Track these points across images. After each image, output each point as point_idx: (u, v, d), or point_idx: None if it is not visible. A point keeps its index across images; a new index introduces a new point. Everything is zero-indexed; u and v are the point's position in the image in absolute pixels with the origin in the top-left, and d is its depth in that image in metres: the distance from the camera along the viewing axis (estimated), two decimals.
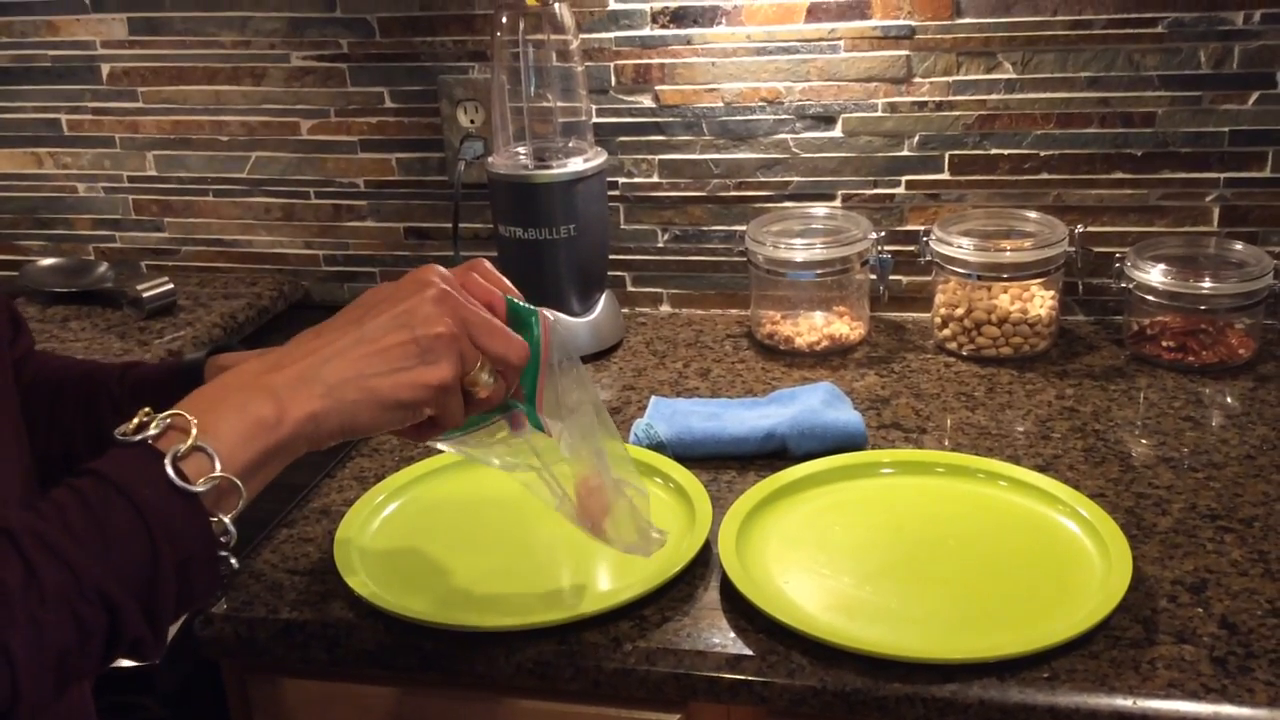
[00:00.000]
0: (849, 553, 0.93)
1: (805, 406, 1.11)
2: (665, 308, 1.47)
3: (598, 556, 0.95)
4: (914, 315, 1.39)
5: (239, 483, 0.62)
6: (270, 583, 0.95)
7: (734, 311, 1.45)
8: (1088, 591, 0.86)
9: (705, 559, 0.94)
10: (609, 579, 0.92)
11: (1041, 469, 1.04)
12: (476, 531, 1.00)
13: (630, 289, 1.46)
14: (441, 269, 0.72)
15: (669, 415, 1.15)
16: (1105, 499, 0.99)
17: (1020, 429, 1.13)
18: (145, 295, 1.42)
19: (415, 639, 0.87)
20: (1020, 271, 1.25)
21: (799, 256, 1.29)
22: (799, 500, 1.01)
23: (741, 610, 0.88)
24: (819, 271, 1.29)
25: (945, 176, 1.34)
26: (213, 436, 0.62)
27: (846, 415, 1.10)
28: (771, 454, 1.09)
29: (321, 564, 0.96)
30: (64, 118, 1.55)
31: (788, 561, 0.92)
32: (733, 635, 0.86)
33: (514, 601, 0.90)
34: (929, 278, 1.36)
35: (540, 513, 1.01)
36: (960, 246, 1.26)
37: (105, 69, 1.52)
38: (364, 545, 0.97)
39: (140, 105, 1.53)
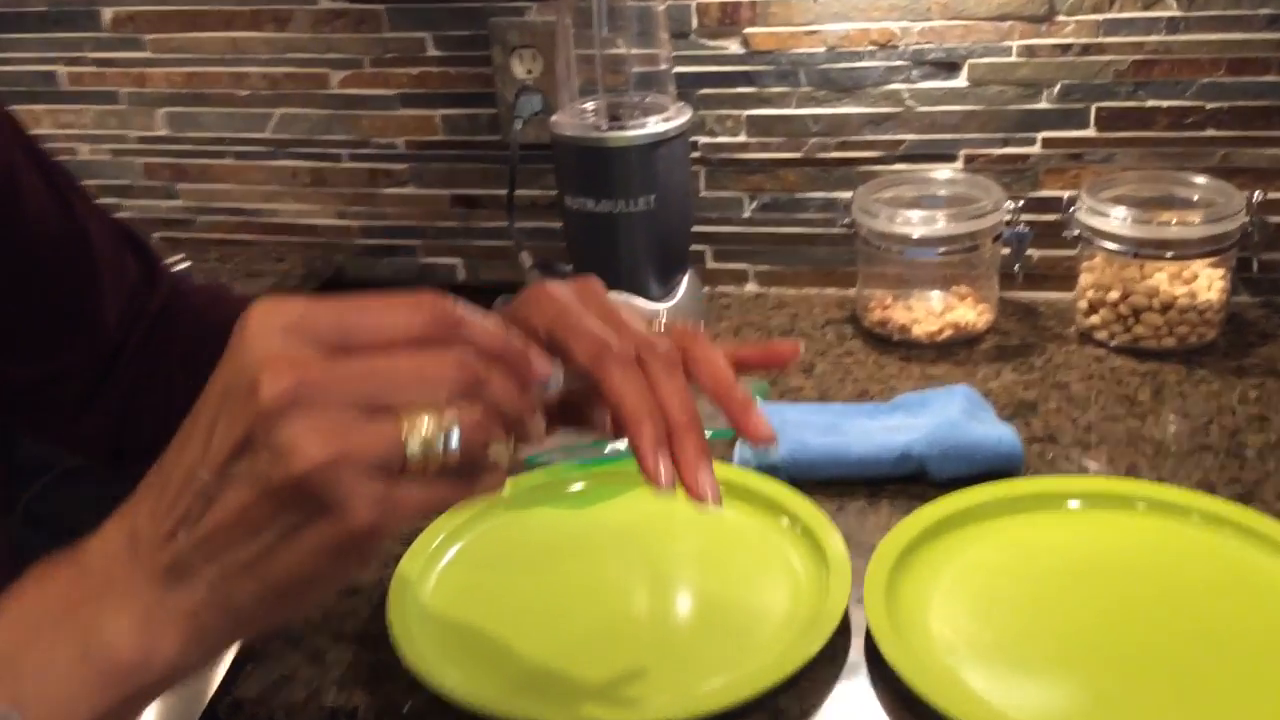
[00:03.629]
0: (1036, 618, 0.74)
1: (943, 418, 0.92)
2: (751, 286, 1.28)
3: (710, 622, 0.77)
4: (1045, 295, 1.20)
5: None
6: (311, 651, 0.77)
7: (831, 291, 1.25)
8: None
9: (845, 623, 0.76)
10: (728, 653, 0.74)
11: (1242, 498, 0.85)
12: (557, 586, 0.82)
13: (711, 265, 1.27)
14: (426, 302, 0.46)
15: (778, 427, 0.96)
16: None
17: (1205, 443, 0.93)
18: None
19: None
20: (1189, 249, 1.05)
21: (918, 231, 1.09)
22: (958, 541, 0.82)
23: (900, 695, 0.70)
24: (943, 249, 1.10)
25: (1090, 133, 1.14)
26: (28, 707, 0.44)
27: (996, 429, 0.91)
28: (906, 477, 0.91)
29: (373, 623, 0.78)
30: (62, 70, 1.36)
31: (954, 627, 0.74)
32: None
33: (612, 688, 0.72)
34: (1067, 252, 1.16)
35: (632, 563, 0.85)
36: (1115, 218, 1.06)
37: (108, 14, 1.32)
38: (423, 603, 0.79)
39: (148, 55, 1.33)
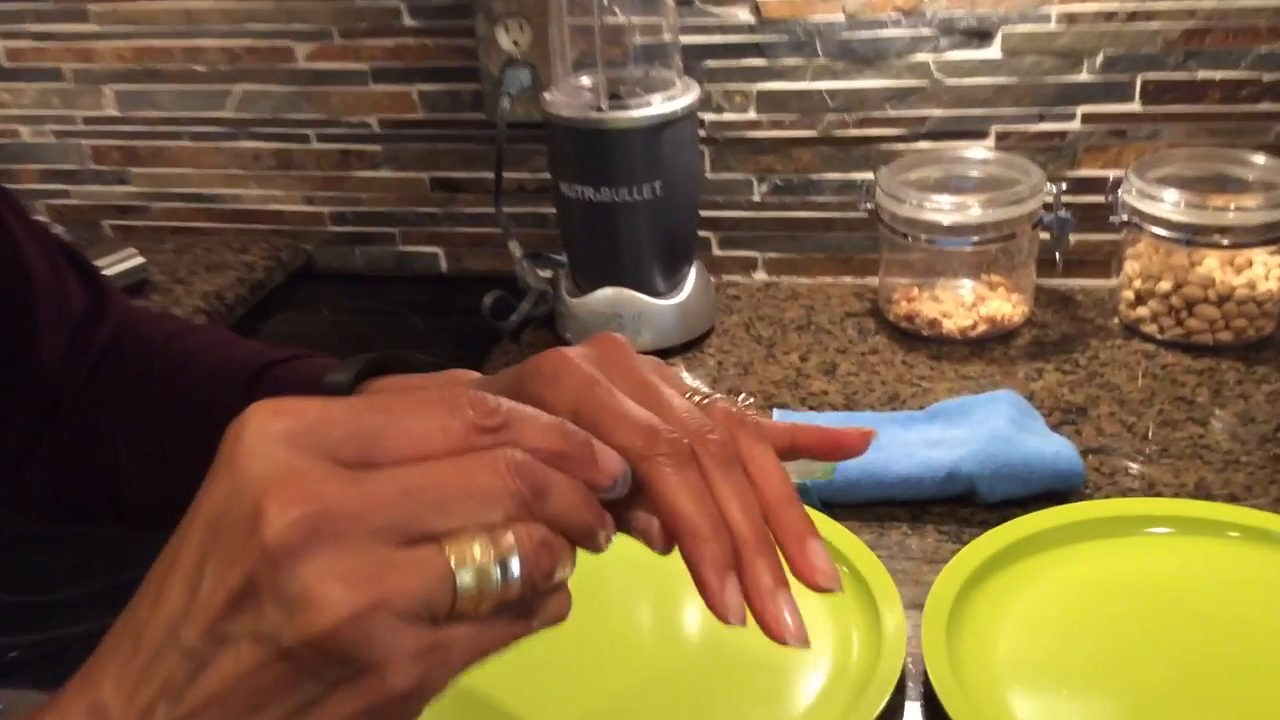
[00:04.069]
0: (1126, 668, 0.65)
1: (991, 431, 0.83)
2: (760, 275, 1.17)
3: (745, 685, 0.67)
4: (1082, 283, 1.10)
5: None
6: None
7: (848, 280, 1.15)
8: None
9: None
10: None
11: None
12: (565, 644, 0.72)
13: (717, 253, 1.17)
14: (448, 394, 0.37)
15: None
16: None
17: (1278, 453, 0.84)
18: (109, 274, 1.12)
19: None
20: (1250, 236, 0.95)
21: (950, 218, 0.99)
22: (1024, 576, 0.72)
23: None
24: (977, 238, 1.00)
25: (1135, 108, 1.04)
26: None
27: (1051, 443, 0.82)
28: (952, 498, 0.81)
29: None
30: None
31: (1026, 680, 0.65)
32: None
33: None
34: (1106, 237, 1.07)
35: (647, 610, 0.75)
36: (1166, 201, 0.96)
37: None
38: None
39: (95, 28, 1.21)
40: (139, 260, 1.14)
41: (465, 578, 0.34)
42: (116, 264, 1.13)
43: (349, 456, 0.34)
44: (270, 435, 0.34)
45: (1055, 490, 0.80)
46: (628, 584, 0.75)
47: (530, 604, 0.37)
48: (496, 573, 0.35)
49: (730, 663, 0.68)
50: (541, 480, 0.36)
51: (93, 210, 1.30)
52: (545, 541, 0.36)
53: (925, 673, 0.65)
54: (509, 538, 0.35)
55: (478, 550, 0.34)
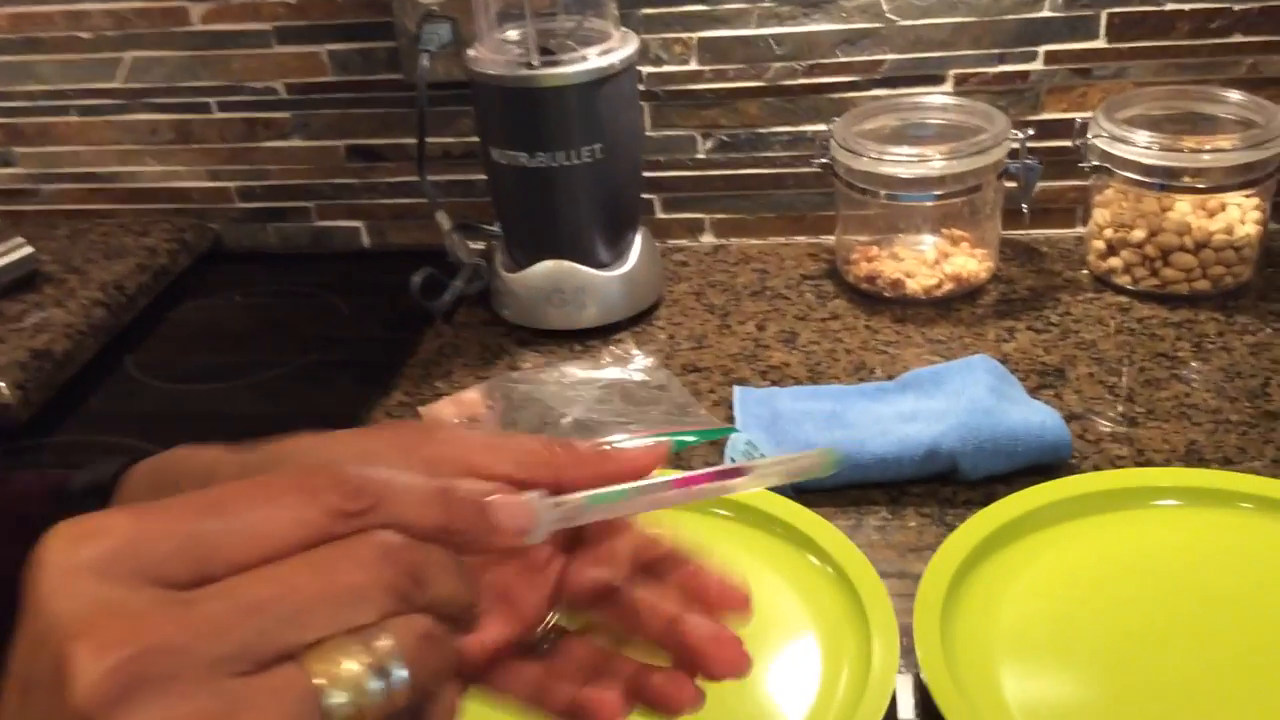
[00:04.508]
0: (1132, 653, 0.60)
1: (970, 401, 0.77)
2: (708, 238, 1.10)
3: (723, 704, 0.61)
4: (1046, 232, 1.04)
5: None
6: None
7: (802, 240, 1.08)
8: None
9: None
10: None
11: None
12: None
13: (660, 216, 1.09)
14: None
15: (770, 421, 0.80)
16: None
17: (1269, 409, 0.79)
18: None
19: None
20: (1227, 179, 0.90)
21: (910, 171, 0.93)
22: (1019, 557, 0.67)
23: None
24: (940, 192, 0.93)
25: (1100, 44, 0.98)
26: None
27: (1035, 413, 0.76)
28: (933, 476, 0.75)
29: None
30: None
31: (1030, 674, 0.59)
32: None
33: None
34: (1071, 183, 1.01)
35: None
36: (1138, 144, 0.90)
37: None
38: None
39: None
40: (26, 250, 1.04)
41: (337, 697, 0.28)
42: (1, 256, 1.02)
43: (179, 575, 0.28)
44: (75, 565, 0.28)
45: (1041, 463, 0.75)
46: None
47: (426, 705, 0.31)
48: (375, 684, 0.28)
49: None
50: (418, 564, 0.31)
51: None
52: (429, 634, 0.30)
53: (919, 675, 0.59)
54: (386, 640, 0.29)
55: (348, 662, 0.28)
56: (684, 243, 1.10)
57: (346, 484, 0.30)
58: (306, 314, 1.07)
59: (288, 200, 1.15)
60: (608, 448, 0.40)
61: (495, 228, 0.99)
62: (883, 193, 0.94)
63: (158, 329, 1.06)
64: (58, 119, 1.14)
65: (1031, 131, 0.93)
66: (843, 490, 0.75)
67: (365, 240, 1.16)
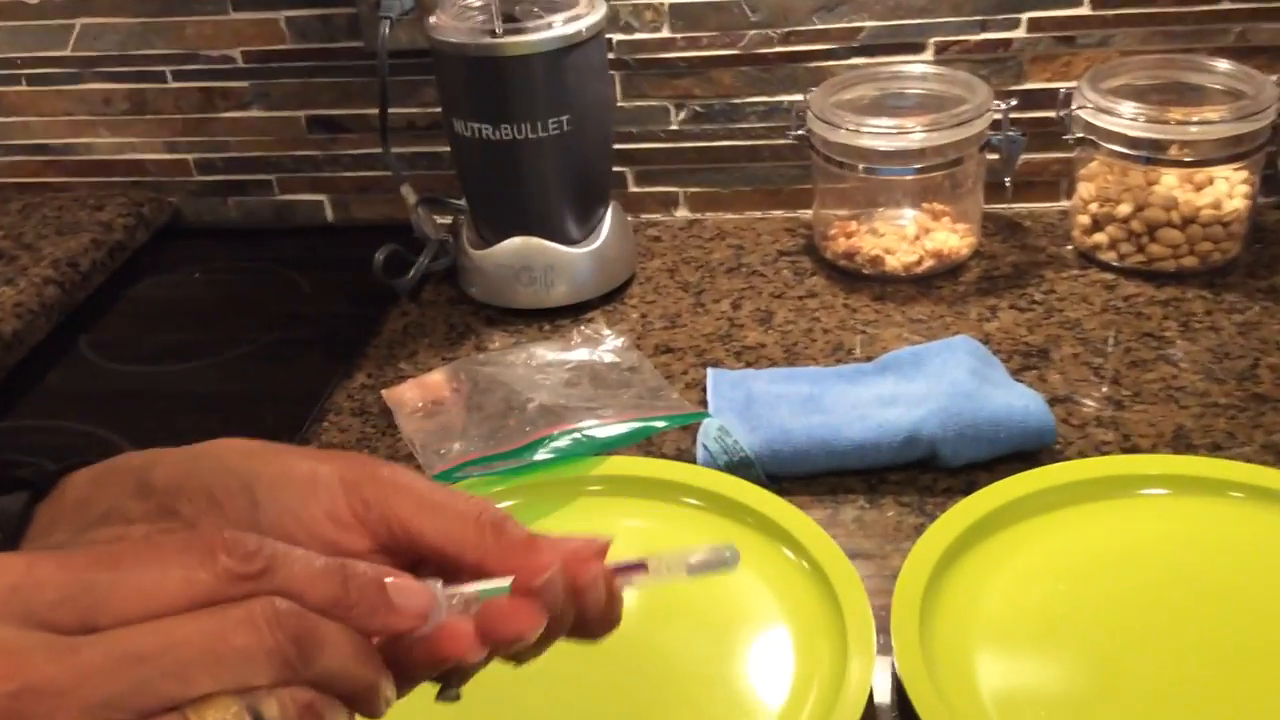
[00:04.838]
0: (1121, 651, 0.58)
1: (951, 385, 0.74)
2: (682, 212, 1.07)
3: (694, 700, 0.58)
4: (1030, 206, 1.02)
5: None
6: None
7: (778, 214, 1.05)
8: None
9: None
10: None
11: None
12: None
13: (633, 189, 1.06)
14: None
15: (744, 405, 0.77)
16: None
17: (1257, 391, 0.77)
18: None
19: None
20: (1216, 151, 0.87)
21: (889, 144, 0.90)
22: (1002, 548, 0.64)
23: None
24: (920, 165, 0.90)
25: (1085, 11, 0.94)
26: None
27: (1018, 397, 0.73)
28: (913, 463, 0.73)
29: None
30: None
31: (1012, 674, 0.57)
32: None
33: None
34: (1054, 155, 0.98)
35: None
36: (1124, 116, 0.88)
37: None
38: None
39: None
40: None
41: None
42: None
43: (65, 622, 0.29)
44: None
45: (1025, 450, 0.72)
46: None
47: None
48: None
49: (666, 675, 0.59)
50: (308, 633, 0.31)
51: None
52: (311, 707, 0.31)
53: (896, 672, 0.56)
54: (270, 705, 0.30)
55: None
56: (657, 217, 1.07)
57: (241, 546, 0.31)
58: (269, 291, 1.03)
59: (248, 173, 1.11)
60: (541, 537, 0.40)
61: (462, 202, 0.96)
62: (861, 166, 0.91)
63: (114, 307, 1.02)
64: (7, 89, 1.09)
65: (1014, 102, 0.90)
66: (819, 478, 0.72)
67: (329, 214, 1.12)
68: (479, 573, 0.39)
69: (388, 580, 0.35)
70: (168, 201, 1.13)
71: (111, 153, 1.11)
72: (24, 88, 1.09)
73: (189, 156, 1.11)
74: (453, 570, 0.40)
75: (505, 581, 0.38)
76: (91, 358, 0.95)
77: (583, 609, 0.40)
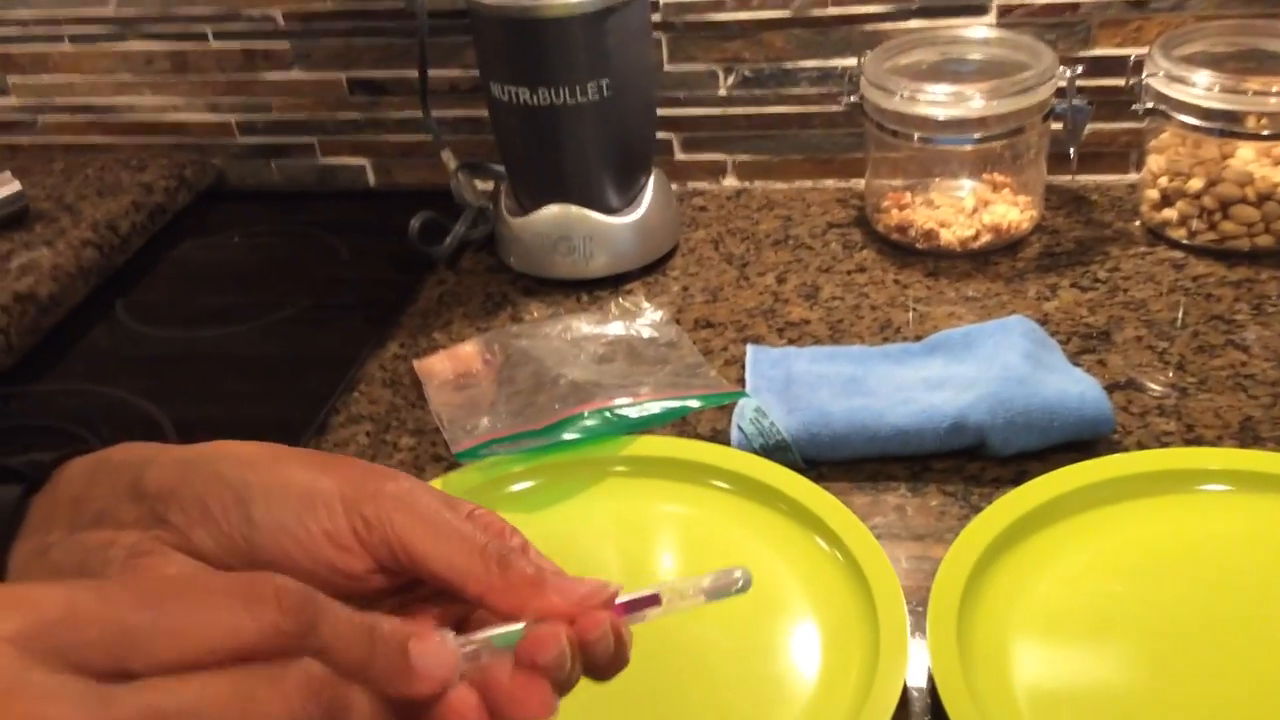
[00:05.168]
0: (1173, 657, 0.54)
1: (1003, 369, 0.70)
2: (730, 181, 1.03)
3: (717, 695, 0.55)
4: (1097, 179, 0.97)
5: None
6: None
7: (830, 184, 1.01)
8: None
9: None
10: None
11: None
12: None
13: (680, 157, 1.02)
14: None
15: (783, 386, 0.74)
16: None
17: None
18: None
19: None
20: None
21: (946, 112, 0.85)
22: (1050, 545, 0.61)
23: None
24: (980, 135, 0.86)
25: None
26: None
27: (1074, 384, 0.69)
28: (960, 450, 0.69)
29: None
30: None
31: (1058, 681, 0.53)
32: None
33: None
34: (1124, 125, 0.93)
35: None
36: (1198, 85, 0.82)
37: None
38: None
39: None
40: (14, 187, 0.99)
41: None
42: None
43: (99, 664, 0.28)
44: None
45: (1079, 439, 0.68)
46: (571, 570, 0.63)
47: None
48: None
49: (691, 668, 0.57)
50: (342, 703, 0.31)
51: None
52: None
53: (932, 682, 0.53)
54: None
55: None
56: (704, 186, 1.03)
57: (291, 598, 0.30)
58: (308, 256, 1.01)
59: (289, 135, 1.09)
60: (549, 575, 0.39)
61: (503, 168, 0.93)
62: (916, 135, 0.87)
63: (153, 270, 1.01)
64: (50, 47, 1.08)
65: (1081, 69, 0.85)
66: (860, 464, 0.69)
67: (371, 179, 1.10)
68: (480, 605, 0.38)
69: (410, 644, 0.34)
70: (211, 164, 1.11)
71: (155, 113, 1.10)
72: (67, 47, 1.08)
73: (231, 118, 1.09)
74: (452, 597, 0.39)
75: (517, 627, 0.37)
76: (127, 321, 0.94)
77: (590, 659, 0.38)
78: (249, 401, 0.84)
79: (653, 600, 0.40)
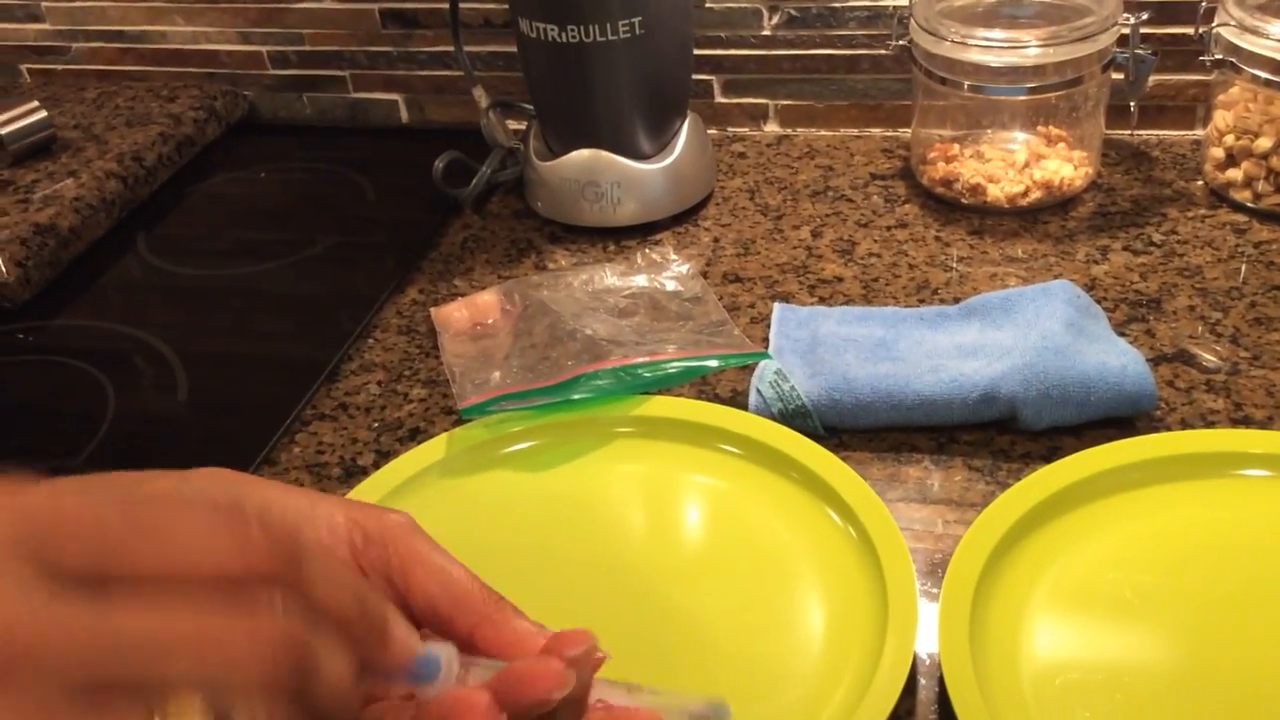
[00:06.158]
0: (1205, 654, 0.50)
1: (1041, 337, 0.66)
2: (772, 127, 0.99)
3: (715, 669, 0.53)
4: (1160, 134, 0.91)
5: None
6: None
7: (876, 132, 0.97)
8: None
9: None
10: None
11: None
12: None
13: (718, 100, 0.98)
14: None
15: (808, 347, 0.70)
16: None
17: None
18: (4, 132, 0.96)
19: None
20: None
21: (1000, 59, 0.80)
22: (1076, 528, 0.57)
23: None
24: (1034, 84, 0.81)
25: None
26: None
27: (1115, 356, 0.65)
28: (989, 422, 0.65)
29: None
30: None
31: (1079, 674, 0.50)
32: None
33: None
34: (1191, 77, 0.87)
35: (606, 564, 0.60)
36: (1270, 37, 0.77)
37: None
38: None
39: None
40: (40, 115, 0.97)
41: None
42: (13, 121, 0.96)
43: (76, 567, 0.27)
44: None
45: (1118, 415, 0.64)
46: (575, 533, 0.60)
47: None
48: None
49: (691, 639, 0.54)
50: (309, 655, 0.29)
51: (5, 52, 1.13)
52: None
53: (941, 675, 0.50)
54: (244, 711, 0.28)
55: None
56: (744, 131, 0.99)
57: (272, 529, 0.29)
58: (333, 193, 0.99)
59: (321, 68, 1.06)
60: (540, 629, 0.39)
61: (531, 108, 0.90)
62: (966, 84, 0.82)
63: (178, 204, 1.00)
64: None
65: (1146, 15, 0.79)
66: (883, 433, 0.66)
67: (404, 115, 1.07)
68: (468, 639, 0.38)
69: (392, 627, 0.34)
70: (242, 96, 1.09)
71: (185, 42, 1.08)
72: None
73: (263, 49, 1.06)
74: (439, 631, 0.38)
75: (499, 663, 0.37)
76: (146, 257, 0.93)
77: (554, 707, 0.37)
78: (265, 340, 0.82)
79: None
